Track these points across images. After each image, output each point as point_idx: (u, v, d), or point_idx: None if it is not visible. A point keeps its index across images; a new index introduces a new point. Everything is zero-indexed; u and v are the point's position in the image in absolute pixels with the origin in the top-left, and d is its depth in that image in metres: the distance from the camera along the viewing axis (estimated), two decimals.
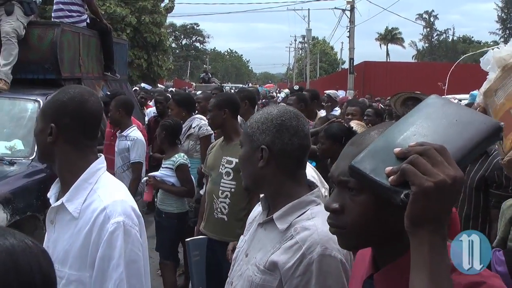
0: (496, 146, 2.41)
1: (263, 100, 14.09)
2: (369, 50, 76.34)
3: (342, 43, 49.51)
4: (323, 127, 3.99)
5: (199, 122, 5.05)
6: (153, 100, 8.37)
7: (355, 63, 24.19)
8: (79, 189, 1.63)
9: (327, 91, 8.62)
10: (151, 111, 7.93)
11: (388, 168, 0.91)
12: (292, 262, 1.50)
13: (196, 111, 5.41)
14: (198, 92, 10.20)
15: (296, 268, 1.49)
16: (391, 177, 0.90)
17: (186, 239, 1.93)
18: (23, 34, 5.15)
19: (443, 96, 1.28)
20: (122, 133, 4.77)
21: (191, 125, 5.06)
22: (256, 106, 5.40)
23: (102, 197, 1.61)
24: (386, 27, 67.63)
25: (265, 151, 1.64)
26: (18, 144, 4.29)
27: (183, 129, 4.91)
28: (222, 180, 3.33)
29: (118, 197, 1.63)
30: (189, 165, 4.51)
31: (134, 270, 1.57)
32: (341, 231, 1.09)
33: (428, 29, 73.10)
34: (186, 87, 25.25)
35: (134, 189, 4.54)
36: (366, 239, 1.09)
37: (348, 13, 25.08)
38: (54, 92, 1.75)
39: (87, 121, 1.68)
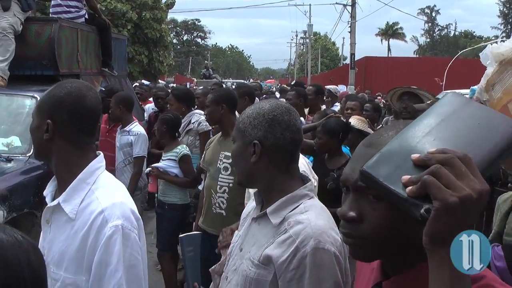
0: None
1: (264, 96, 14.06)
2: (371, 46, 76.39)
3: (344, 38, 49.60)
4: (321, 121, 3.97)
5: (199, 117, 5.04)
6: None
7: (356, 59, 24.17)
8: (77, 189, 1.56)
9: (328, 86, 8.64)
10: (149, 107, 7.92)
11: (406, 177, 0.82)
12: (286, 256, 1.50)
13: (196, 106, 5.40)
14: (199, 88, 10.18)
15: (290, 262, 1.49)
16: (410, 187, 0.81)
17: (180, 235, 1.92)
18: (20, 30, 5.14)
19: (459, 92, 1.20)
20: (125, 128, 4.79)
21: (190, 121, 5.06)
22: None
23: (101, 198, 1.55)
24: (387, 22, 67.60)
25: (258, 146, 1.65)
26: (16, 141, 4.29)
27: (183, 124, 4.91)
28: (220, 175, 3.34)
29: (117, 199, 1.57)
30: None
31: (133, 275, 1.52)
32: (359, 242, 0.98)
33: (430, 24, 72.95)
34: (188, 83, 25.27)
35: (134, 184, 4.59)
36: (385, 250, 0.98)
37: (349, 8, 25.05)
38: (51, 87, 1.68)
39: (85, 117, 1.60)
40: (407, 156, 0.85)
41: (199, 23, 76.58)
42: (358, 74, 23.56)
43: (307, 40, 50.61)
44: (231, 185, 3.28)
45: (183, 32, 76.10)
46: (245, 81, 29.87)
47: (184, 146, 4.53)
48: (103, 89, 5.73)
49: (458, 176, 0.78)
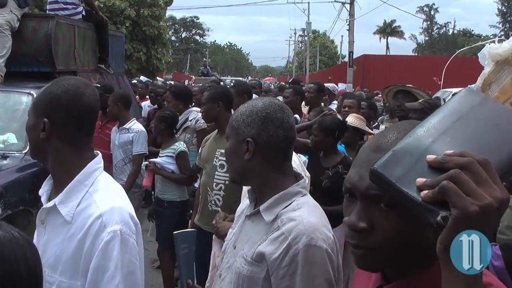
0: None
1: (263, 94, 14.05)
2: (369, 44, 76.37)
3: (342, 36, 49.55)
4: (316, 119, 3.97)
5: (196, 115, 5.03)
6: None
7: (354, 57, 24.16)
8: (74, 191, 1.51)
9: (326, 84, 8.65)
10: (145, 104, 7.92)
11: (421, 180, 0.77)
12: (278, 253, 1.50)
13: (193, 104, 5.40)
14: (196, 86, 10.18)
15: (282, 259, 1.50)
16: (425, 192, 0.76)
17: (174, 232, 1.91)
18: (16, 26, 5.13)
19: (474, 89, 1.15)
20: (124, 126, 4.79)
21: (187, 118, 5.05)
22: None
23: (99, 202, 1.50)
24: (385, 20, 67.55)
25: (251, 143, 1.65)
26: (12, 138, 4.28)
27: (180, 122, 4.91)
28: (216, 173, 3.34)
29: (116, 204, 1.51)
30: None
31: (131, 282, 1.48)
32: (368, 252, 0.92)
33: (429, 22, 72.94)
34: (186, 80, 25.25)
35: (132, 181, 4.61)
36: (395, 260, 0.93)
37: (348, 6, 25.03)
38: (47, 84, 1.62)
39: (83, 116, 1.55)
40: (420, 156, 0.80)
41: (197, 21, 76.64)
42: (357, 72, 23.56)
43: (306, 38, 50.58)
44: (227, 182, 3.27)
45: (182, 30, 76.10)
46: (243, 79, 29.84)
47: (181, 143, 4.54)
48: (99, 85, 5.72)
49: (478, 183, 0.74)
